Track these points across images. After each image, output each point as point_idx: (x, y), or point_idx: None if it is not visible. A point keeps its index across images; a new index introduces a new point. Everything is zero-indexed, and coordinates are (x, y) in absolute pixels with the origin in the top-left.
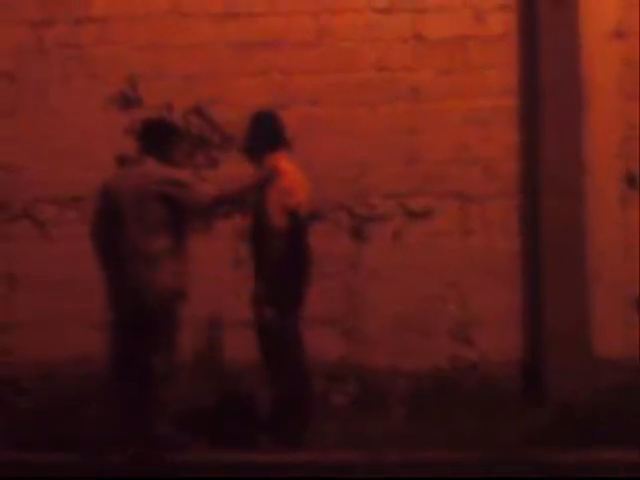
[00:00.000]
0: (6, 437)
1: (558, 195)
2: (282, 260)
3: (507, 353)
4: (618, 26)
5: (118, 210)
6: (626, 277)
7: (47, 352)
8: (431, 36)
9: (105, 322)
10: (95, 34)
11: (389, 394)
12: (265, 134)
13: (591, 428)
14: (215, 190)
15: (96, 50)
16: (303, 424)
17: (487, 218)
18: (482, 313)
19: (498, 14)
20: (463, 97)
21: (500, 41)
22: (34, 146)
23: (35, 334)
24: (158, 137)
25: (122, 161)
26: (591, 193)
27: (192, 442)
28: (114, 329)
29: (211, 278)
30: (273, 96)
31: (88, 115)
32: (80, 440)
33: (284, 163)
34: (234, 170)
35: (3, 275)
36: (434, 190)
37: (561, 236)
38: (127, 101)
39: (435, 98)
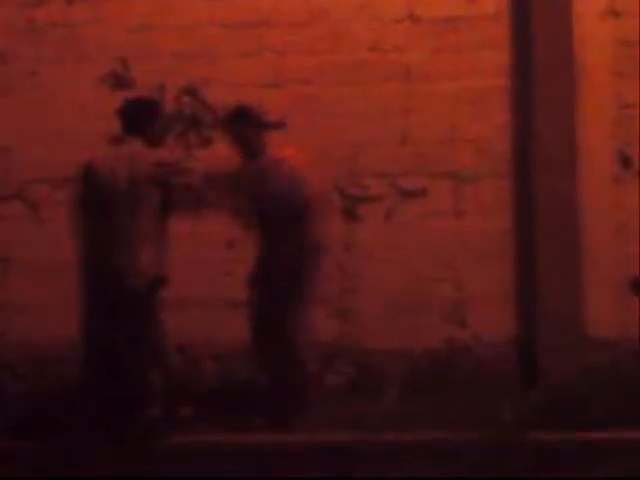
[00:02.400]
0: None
1: (551, 175)
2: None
3: (501, 333)
4: (611, 5)
5: (104, 194)
6: (619, 257)
7: (40, 334)
8: (424, 16)
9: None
10: (87, 14)
11: (383, 375)
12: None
13: (585, 408)
14: (206, 170)
15: (88, 30)
16: (298, 406)
17: (480, 198)
18: (476, 293)
19: None
20: (456, 77)
21: (493, 21)
22: (26, 127)
23: (27, 316)
24: (142, 116)
25: (114, 142)
26: (584, 173)
27: (185, 424)
28: (90, 314)
29: (203, 259)
30: (265, 76)
31: (80, 95)
32: (69, 425)
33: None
34: (227, 150)
35: None
36: (427, 170)
37: (554, 216)
38: (119, 81)
39: (428, 78)
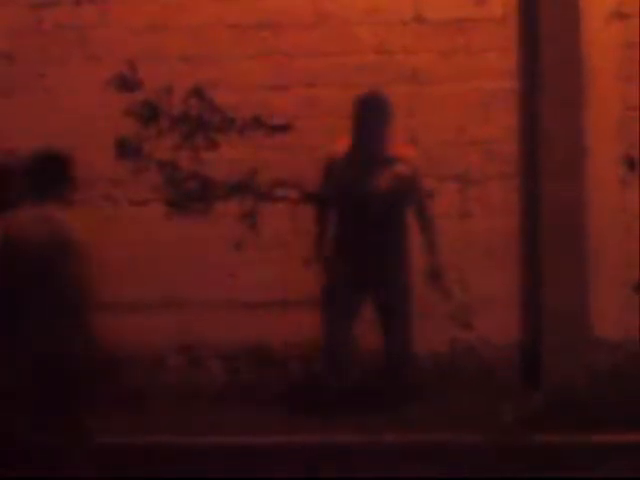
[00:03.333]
0: None
1: (558, 177)
2: None
3: (506, 335)
4: (619, 8)
5: (17, 267)
6: (625, 259)
7: None
8: (431, 18)
9: None
10: (94, 15)
11: None
12: None
13: (590, 410)
14: None
15: (95, 32)
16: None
17: (487, 200)
18: (481, 295)
19: None
20: (463, 79)
21: (500, 23)
22: (32, 127)
23: None
24: (56, 173)
25: (121, 144)
26: (591, 175)
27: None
28: None
29: (212, 261)
30: (273, 78)
31: (87, 97)
32: None
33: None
34: (233, 152)
35: None
36: (434, 172)
37: (561, 218)
38: (126, 83)
39: (435, 80)
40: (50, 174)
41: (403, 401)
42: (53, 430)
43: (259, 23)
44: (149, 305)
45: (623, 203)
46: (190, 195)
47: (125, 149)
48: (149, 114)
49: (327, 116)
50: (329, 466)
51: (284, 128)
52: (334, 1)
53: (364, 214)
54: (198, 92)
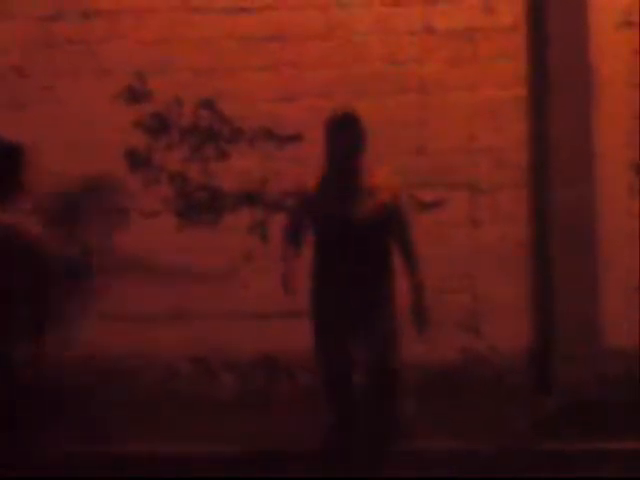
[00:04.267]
0: None
1: (567, 184)
2: None
3: (517, 342)
4: (627, 15)
5: None
6: (635, 266)
7: None
8: (440, 28)
9: None
10: (103, 28)
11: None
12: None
13: (600, 417)
14: None
15: (104, 44)
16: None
17: (497, 208)
18: (492, 303)
19: (507, 5)
20: (472, 88)
21: (509, 32)
22: (42, 140)
23: None
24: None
25: (131, 155)
26: (600, 182)
27: None
28: None
29: (222, 271)
30: (282, 89)
31: (96, 109)
32: None
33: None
34: (243, 163)
35: None
36: (444, 181)
37: (570, 225)
38: (136, 95)
39: (444, 89)
40: None
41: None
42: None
43: (268, 35)
44: (161, 316)
45: (633, 209)
46: (200, 206)
47: (135, 161)
48: (159, 126)
49: None
50: (338, 472)
51: (294, 139)
52: (343, 12)
53: (344, 248)
54: (208, 104)
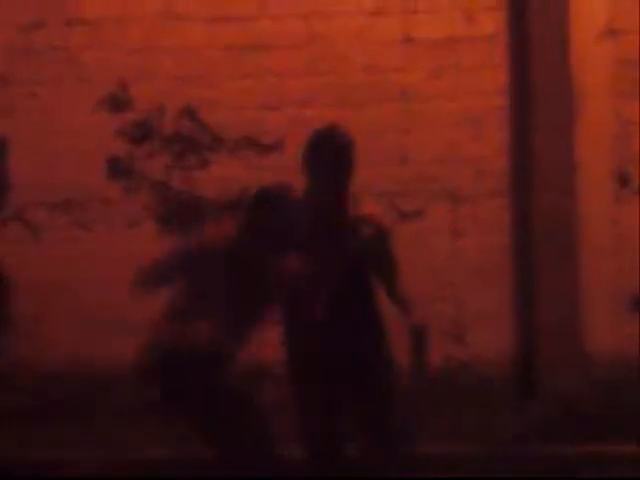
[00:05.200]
0: None
1: (550, 193)
2: None
3: (500, 350)
4: (609, 24)
5: None
6: (618, 275)
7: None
8: (421, 38)
9: None
10: (86, 36)
11: None
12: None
13: (584, 422)
14: None
15: (87, 52)
16: None
17: (479, 217)
18: (475, 311)
19: (488, 14)
20: (454, 98)
21: (490, 41)
22: (25, 149)
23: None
24: None
25: (113, 163)
26: (583, 191)
27: None
28: None
29: None
30: (264, 98)
31: (79, 117)
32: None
33: None
34: (224, 171)
35: None
36: (425, 190)
37: (553, 234)
38: (118, 103)
39: (425, 99)
40: None
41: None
42: None
43: (250, 43)
44: (147, 324)
45: (616, 218)
46: (182, 214)
47: (117, 169)
48: (141, 134)
49: None
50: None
51: (275, 147)
52: (324, 21)
53: (321, 291)
54: (189, 112)
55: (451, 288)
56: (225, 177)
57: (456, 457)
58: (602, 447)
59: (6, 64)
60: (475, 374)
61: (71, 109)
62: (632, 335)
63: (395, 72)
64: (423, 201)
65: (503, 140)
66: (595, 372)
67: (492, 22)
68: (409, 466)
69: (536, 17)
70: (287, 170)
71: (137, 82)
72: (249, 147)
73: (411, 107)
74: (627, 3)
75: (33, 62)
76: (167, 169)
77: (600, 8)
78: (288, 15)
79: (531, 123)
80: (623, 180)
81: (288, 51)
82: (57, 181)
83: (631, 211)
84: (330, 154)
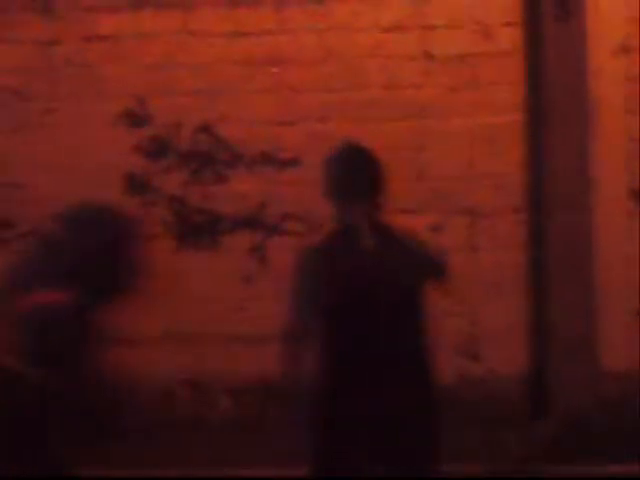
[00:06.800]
0: None
1: (565, 210)
2: None
3: (514, 367)
4: (624, 41)
5: None
6: (633, 291)
7: None
8: (438, 53)
9: None
10: (103, 52)
11: None
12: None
13: (597, 441)
14: None
15: (104, 68)
16: None
17: (495, 233)
18: (489, 327)
19: (505, 30)
20: (471, 114)
21: (507, 57)
22: (42, 164)
23: None
24: None
25: (130, 179)
26: (598, 207)
27: None
28: None
29: (221, 295)
30: (281, 113)
31: (96, 133)
32: None
33: None
34: (242, 187)
35: None
36: (442, 206)
37: (568, 250)
38: (135, 119)
39: (443, 115)
40: None
41: None
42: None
43: (267, 59)
44: (159, 339)
45: (630, 234)
46: (199, 229)
47: (134, 184)
48: (158, 150)
49: None
50: None
51: (292, 163)
52: (341, 37)
53: (369, 317)
54: (206, 128)
55: (466, 304)
56: (242, 193)
57: (463, 476)
58: (614, 467)
59: (24, 80)
60: (489, 390)
61: (88, 125)
62: None
63: (412, 88)
64: (440, 217)
65: (520, 156)
66: (608, 390)
67: (509, 38)
68: None
69: (553, 33)
70: (304, 185)
71: (154, 98)
72: (266, 163)
73: (428, 123)
74: None
75: (50, 78)
76: (184, 185)
77: (616, 25)
78: (304, 30)
79: (548, 139)
80: (637, 196)
81: (305, 67)
82: (74, 196)
83: None
84: (365, 171)
